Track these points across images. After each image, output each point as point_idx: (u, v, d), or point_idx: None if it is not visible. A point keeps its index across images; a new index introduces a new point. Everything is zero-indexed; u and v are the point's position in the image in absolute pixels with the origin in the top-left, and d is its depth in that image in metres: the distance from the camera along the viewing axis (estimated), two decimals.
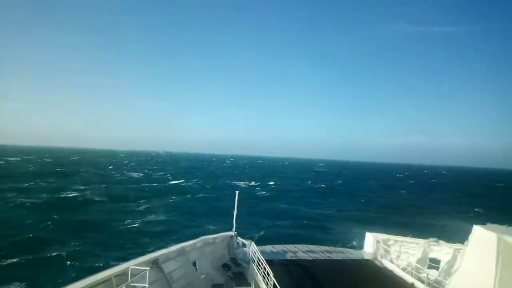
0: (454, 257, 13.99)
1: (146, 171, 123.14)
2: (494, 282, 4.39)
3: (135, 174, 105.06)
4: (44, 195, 52.04)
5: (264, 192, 74.01)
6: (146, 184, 76.73)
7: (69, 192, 56.99)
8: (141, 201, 52.88)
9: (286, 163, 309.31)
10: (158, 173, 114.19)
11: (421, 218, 48.12)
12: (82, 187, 63.73)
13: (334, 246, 20.29)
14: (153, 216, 42.31)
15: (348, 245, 20.67)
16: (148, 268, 9.93)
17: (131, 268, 9.77)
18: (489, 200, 77.58)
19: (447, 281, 10.88)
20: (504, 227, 5.18)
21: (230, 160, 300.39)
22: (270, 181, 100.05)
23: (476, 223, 5.50)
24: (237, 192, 16.73)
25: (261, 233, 34.89)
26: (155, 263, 11.53)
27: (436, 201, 71.37)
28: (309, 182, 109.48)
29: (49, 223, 34.56)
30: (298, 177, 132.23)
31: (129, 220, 38.76)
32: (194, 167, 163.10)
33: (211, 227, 35.16)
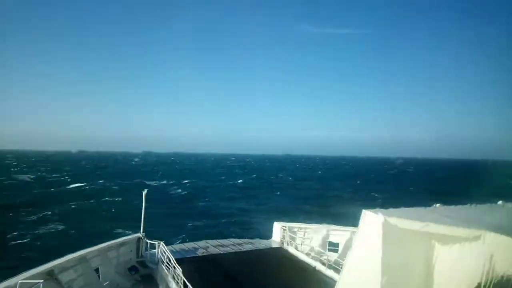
0: (350, 239, 15.47)
1: (39, 173, 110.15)
2: (381, 260, 4.91)
3: (25, 177, 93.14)
4: None
5: (180, 191, 72.41)
6: (39, 190, 68.35)
7: None
8: (33, 209, 46.68)
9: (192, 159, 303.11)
10: (53, 175, 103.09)
11: (326, 206, 52.63)
12: None
13: (245, 238, 20.83)
14: (48, 226, 37.86)
15: (259, 236, 21.35)
16: (41, 281, 8.95)
17: (20, 282, 8.67)
18: (384, 185, 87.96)
19: (344, 262, 12.03)
20: (390, 209, 5.84)
21: (138, 158, 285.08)
22: (185, 180, 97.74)
23: (373, 207, 6.15)
24: (143, 192, 15.97)
25: (175, 233, 34.14)
26: (50, 275, 10.40)
27: (339, 189, 78.71)
28: (223, 177, 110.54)
29: None
30: (212, 173, 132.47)
31: (18, 233, 34.06)
32: (99, 167, 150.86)
33: (120, 230, 33.03)
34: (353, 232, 15.85)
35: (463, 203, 6.04)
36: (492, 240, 4.07)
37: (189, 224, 40.45)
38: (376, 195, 66.74)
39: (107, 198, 58.89)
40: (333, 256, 15.51)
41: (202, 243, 18.54)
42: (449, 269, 4.74)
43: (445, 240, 4.78)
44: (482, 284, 3.99)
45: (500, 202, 5.91)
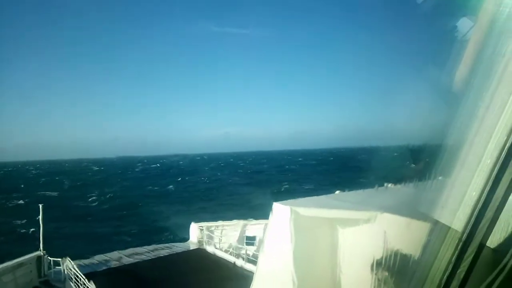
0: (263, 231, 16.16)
1: None
2: (291, 249, 5.28)
3: None
4: None
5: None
6: None
7: None
8: None
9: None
10: None
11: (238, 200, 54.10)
12: None
13: (160, 243, 20.19)
14: None
15: (175, 240, 20.90)
16: None
17: None
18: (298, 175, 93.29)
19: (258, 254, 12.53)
20: (298, 199, 6.28)
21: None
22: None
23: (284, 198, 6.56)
24: (40, 205, 14.58)
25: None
26: None
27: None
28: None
29: None
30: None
31: None
32: None
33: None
34: (266, 225, 16.62)
35: (357, 189, 6.80)
36: (384, 219, 4.66)
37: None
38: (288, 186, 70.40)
39: None
40: (251, 250, 15.99)
41: (114, 254, 17.43)
42: (350, 249, 5.31)
43: (346, 223, 5.35)
44: (379, 259, 4.53)
45: (388, 185, 6.76)
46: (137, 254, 17.38)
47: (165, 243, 20.02)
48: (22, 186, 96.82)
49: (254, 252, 15.35)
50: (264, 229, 16.18)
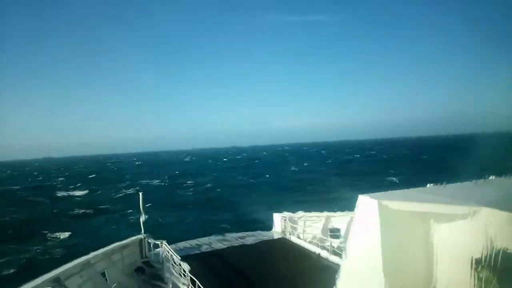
0: (350, 224, 15.70)
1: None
2: (379, 243, 5.03)
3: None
4: None
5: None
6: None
7: None
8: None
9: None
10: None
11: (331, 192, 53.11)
12: None
13: (247, 230, 21.00)
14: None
15: (260, 229, 21.51)
16: None
17: None
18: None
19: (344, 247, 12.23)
20: (384, 193, 5.95)
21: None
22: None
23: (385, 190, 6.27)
24: (140, 193, 16.27)
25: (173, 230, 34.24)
26: (57, 281, 10.46)
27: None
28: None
29: None
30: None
31: None
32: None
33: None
34: (352, 217, 16.14)
35: (454, 181, 6.15)
36: (485, 215, 4.18)
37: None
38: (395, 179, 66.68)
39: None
40: (335, 242, 15.73)
41: (205, 239, 18.69)
42: (447, 246, 4.86)
43: (442, 218, 4.89)
44: (479, 258, 4.10)
45: (492, 177, 6.02)
46: (225, 240, 18.37)
47: (251, 231, 20.75)
48: (128, 176, 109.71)
49: (339, 245, 15.06)
50: (349, 222, 15.83)
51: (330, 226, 17.42)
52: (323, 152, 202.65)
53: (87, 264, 12.45)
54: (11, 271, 25.44)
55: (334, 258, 14.17)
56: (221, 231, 22.48)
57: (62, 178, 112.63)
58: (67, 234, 36.89)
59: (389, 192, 5.97)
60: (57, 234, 36.90)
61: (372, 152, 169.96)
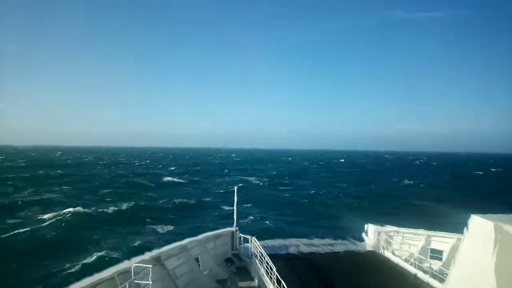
0: (455, 247, 14.01)
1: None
2: (493, 270, 4.39)
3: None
4: None
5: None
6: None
7: None
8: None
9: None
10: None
11: (418, 207, 48.63)
12: None
13: (336, 238, 20.35)
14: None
15: (350, 238, 20.60)
16: (151, 266, 10.00)
17: (134, 266, 9.85)
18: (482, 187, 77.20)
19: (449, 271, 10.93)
20: (500, 215, 5.16)
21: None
22: None
23: (473, 212, 5.49)
24: (236, 187, 17.01)
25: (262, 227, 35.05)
26: (157, 260, 11.62)
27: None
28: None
29: None
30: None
31: None
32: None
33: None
34: (459, 239, 14.36)
35: None
36: None
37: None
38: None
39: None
40: (436, 264, 14.24)
41: (293, 241, 18.72)
42: None
43: None
44: None
45: None
46: (313, 245, 18.12)
47: (341, 239, 20.05)
48: (226, 170, 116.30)
49: (441, 268, 13.56)
50: (457, 244, 14.13)
51: (430, 246, 15.79)
52: (434, 163, 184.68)
53: (184, 248, 13.56)
54: (123, 249, 29.06)
55: (433, 282, 12.82)
56: (310, 235, 22.26)
57: (173, 167, 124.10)
58: (171, 216, 40.90)
59: (506, 215, 5.21)
60: (164, 216, 41.23)
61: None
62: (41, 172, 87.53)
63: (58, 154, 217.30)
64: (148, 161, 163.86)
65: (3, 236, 28.69)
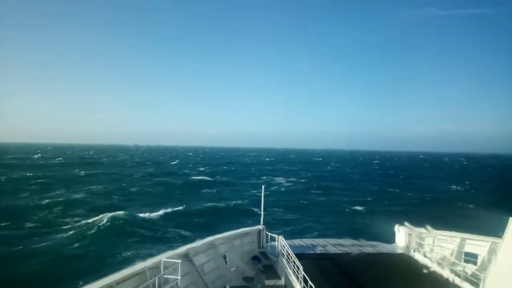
0: (491, 251, 13.36)
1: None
2: None
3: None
4: None
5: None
6: None
7: None
8: None
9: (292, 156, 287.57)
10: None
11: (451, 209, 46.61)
12: None
13: (364, 239, 19.91)
14: None
15: (380, 239, 20.04)
16: (180, 261, 10.25)
17: (164, 261, 10.12)
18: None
19: (484, 276, 10.43)
20: None
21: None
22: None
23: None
24: (263, 186, 17.08)
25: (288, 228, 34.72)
26: (186, 256, 11.87)
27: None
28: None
29: None
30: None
31: None
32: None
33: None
34: (494, 243, 13.66)
35: None
36: None
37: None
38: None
39: None
40: (470, 268, 13.63)
41: (320, 241, 18.53)
42: None
43: None
44: None
45: None
46: (341, 245, 17.84)
47: (370, 240, 19.59)
48: (254, 169, 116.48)
49: (475, 272, 12.97)
50: (493, 248, 13.46)
51: (464, 249, 15.12)
52: (464, 162, 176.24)
53: (212, 245, 13.77)
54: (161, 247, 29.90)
55: (467, 286, 12.29)
56: (338, 235, 21.93)
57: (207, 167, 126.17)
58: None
59: None
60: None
61: None
62: (76, 170, 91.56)
63: (92, 153, 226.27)
64: (177, 160, 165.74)
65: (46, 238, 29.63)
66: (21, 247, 27.15)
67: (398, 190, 69.75)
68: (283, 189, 70.36)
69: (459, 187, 78.06)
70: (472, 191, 72.06)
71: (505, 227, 7.41)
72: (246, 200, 53.76)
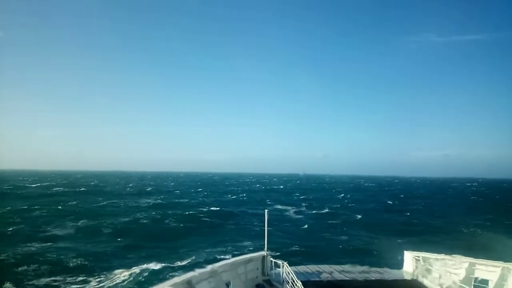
0: (502, 277, 13.03)
1: None
2: None
3: None
4: None
5: None
6: None
7: None
8: None
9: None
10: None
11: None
12: None
13: (371, 266, 19.46)
14: None
15: (386, 265, 19.58)
16: None
17: None
18: None
19: None
20: None
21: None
22: None
23: None
24: (266, 211, 16.94)
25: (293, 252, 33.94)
26: (189, 284, 11.67)
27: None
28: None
29: None
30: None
31: None
32: None
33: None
34: (506, 268, 13.33)
35: None
36: None
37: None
38: None
39: None
40: None
41: (325, 267, 18.15)
42: None
43: None
44: None
45: None
46: (347, 272, 17.46)
47: (376, 267, 19.15)
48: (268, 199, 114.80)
49: None
50: (504, 274, 13.10)
51: (474, 274, 14.74)
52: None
53: (215, 272, 13.53)
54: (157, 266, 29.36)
55: None
56: (343, 261, 21.46)
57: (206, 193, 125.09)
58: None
59: None
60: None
61: None
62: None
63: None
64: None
65: None
66: None
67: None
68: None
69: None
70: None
71: None
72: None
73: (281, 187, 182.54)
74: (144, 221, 54.50)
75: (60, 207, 69.23)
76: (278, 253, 17.52)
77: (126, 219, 55.57)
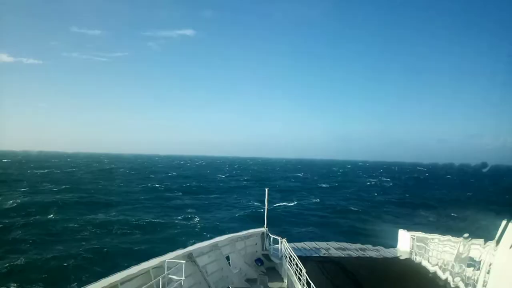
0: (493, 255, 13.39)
1: None
2: None
3: None
4: None
5: None
6: None
7: None
8: None
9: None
10: None
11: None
12: None
13: (367, 243, 19.90)
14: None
15: (381, 244, 19.98)
16: (183, 262, 10.40)
17: (167, 261, 10.29)
18: None
19: (486, 280, 10.46)
20: None
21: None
22: None
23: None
24: (266, 189, 17.21)
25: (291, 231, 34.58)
26: (190, 257, 12.03)
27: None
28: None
29: None
30: None
31: None
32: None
33: None
34: (496, 246, 13.67)
35: None
36: None
37: None
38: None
39: None
40: (473, 273, 13.64)
41: (323, 244, 18.59)
42: None
43: None
44: None
45: None
46: (345, 249, 17.90)
47: (372, 245, 19.58)
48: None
49: (478, 277, 12.98)
50: (492, 252, 13.48)
51: (468, 254, 15.14)
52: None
53: (215, 246, 13.92)
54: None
55: None
56: (340, 239, 21.90)
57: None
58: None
59: None
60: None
61: None
62: None
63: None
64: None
65: None
66: None
67: None
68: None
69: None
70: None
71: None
72: None
73: None
74: None
75: None
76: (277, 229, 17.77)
77: None
